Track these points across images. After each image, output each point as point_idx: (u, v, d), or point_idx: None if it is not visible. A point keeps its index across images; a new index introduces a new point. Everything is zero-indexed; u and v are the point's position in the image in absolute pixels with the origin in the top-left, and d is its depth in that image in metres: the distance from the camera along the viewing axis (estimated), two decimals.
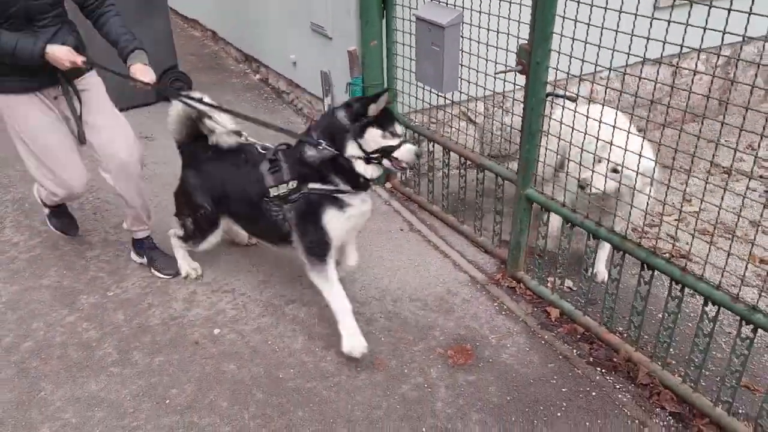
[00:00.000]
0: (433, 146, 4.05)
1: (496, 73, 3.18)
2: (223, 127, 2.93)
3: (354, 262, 3.16)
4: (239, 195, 2.93)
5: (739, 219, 2.59)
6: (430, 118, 4.35)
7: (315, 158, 2.70)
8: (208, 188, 3.03)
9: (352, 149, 2.66)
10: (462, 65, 3.51)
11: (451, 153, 3.83)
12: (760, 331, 2.26)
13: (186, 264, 3.37)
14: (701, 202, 2.40)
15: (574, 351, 2.86)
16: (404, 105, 4.20)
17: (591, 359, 2.82)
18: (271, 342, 2.92)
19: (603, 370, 2.75)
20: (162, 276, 3.36)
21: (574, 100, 2.88)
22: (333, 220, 2.72)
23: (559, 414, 2.55)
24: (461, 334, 2.96)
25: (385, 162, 2.72)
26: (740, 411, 2.48)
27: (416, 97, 4.03)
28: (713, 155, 2.31)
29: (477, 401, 2.60)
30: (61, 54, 2.68)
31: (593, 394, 2.63)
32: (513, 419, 2.50)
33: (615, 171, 2.80)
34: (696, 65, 2.40)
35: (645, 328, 2.81)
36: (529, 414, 2.54)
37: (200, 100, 2.87)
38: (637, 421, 2.50)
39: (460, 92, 3.62)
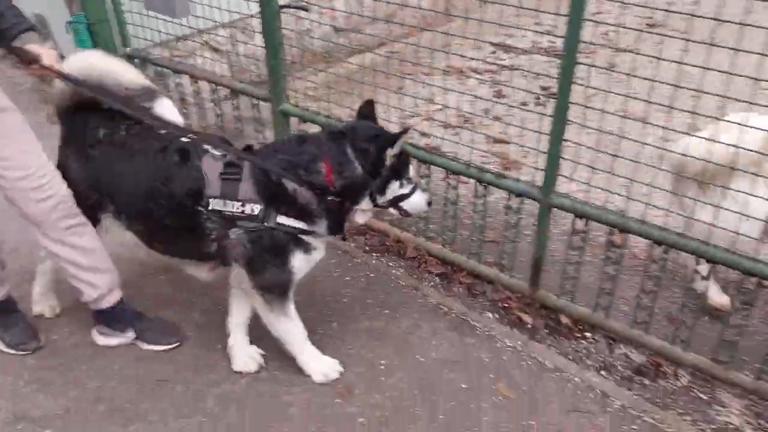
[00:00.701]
0: (180, 79, 3.92)
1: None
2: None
3: None
4: (151, 193, 2.22)
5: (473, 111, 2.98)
6: (172, 52, 4.18)
7: (306, 198, 2.15)
8: (98, 176, 2.31)
9: (365, 204, 2.25)
10: None
11: (200, 83, 3.75)
12: (493, 189, 2.68)
13: (44, 300, 2.69)
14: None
15: (351, 244, 3.10)
16: (140, 39, 3.96)
17: (366, 248, 3.10)
18: None
19: (377, 254, 3.04)
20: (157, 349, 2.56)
21: (306, 9, 2.99)
22: (300, 263, 2.24)
23: (345, 300, 2.78)
24: None
25: (391, 210, 2.34)
26: (487, 260, 2.92)
27: (154, 29, 3.82)
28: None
29: None
30: None
31: (372, 275, 2.91)
32: (306, 316, 2.66)
33: None
34: None
35: None
36: (321, 307, 2.73)
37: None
38: (411, 288, 2.84)
39: (195, 17, 3.53)
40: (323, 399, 2.30)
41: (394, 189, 2.26)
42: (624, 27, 2.46)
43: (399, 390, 2.34)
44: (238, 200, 2.12)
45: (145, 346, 2.54)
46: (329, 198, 2.15)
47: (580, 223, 2.47)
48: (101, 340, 2.55)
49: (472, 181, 2.72)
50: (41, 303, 2.67)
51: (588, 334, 2.60)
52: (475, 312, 2.72)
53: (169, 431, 2.19)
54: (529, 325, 2.65)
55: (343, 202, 2.19)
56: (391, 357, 2.48)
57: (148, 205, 2.23)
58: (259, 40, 3.20)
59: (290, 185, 2.13)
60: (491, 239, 3.02)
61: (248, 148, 2.32)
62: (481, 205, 2.75)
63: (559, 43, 2.19)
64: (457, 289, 2.86)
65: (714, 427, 2.20)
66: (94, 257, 2.34)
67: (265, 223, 2.13)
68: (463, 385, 2.36)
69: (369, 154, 2.16)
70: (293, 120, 3.28)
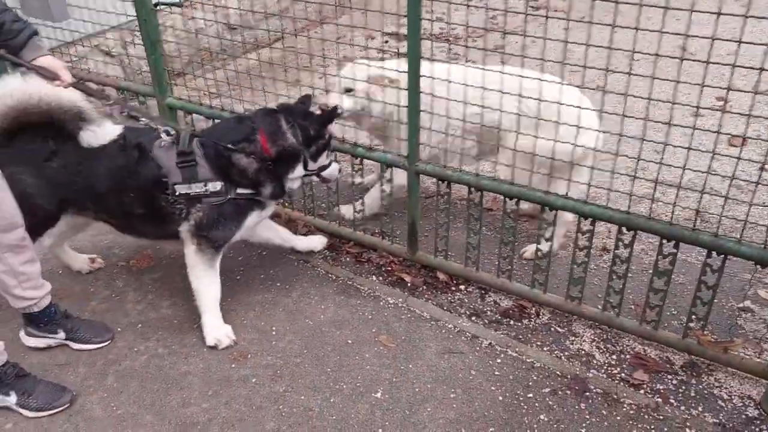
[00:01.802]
0: None
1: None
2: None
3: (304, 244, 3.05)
4: (118, 188, 2.42)
5: None
6: (63, 55, 4.18)
7: (252, 168, 2.46)
8: (58, 186, 2.41)
9: (299, 171, 2.57)
10: None
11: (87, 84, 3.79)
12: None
13: None
14: None
15: None
16: None
17: None
18: None
19: None
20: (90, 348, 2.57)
21: (180, 5, 3.12)
22: (249, 221, 2.55)
23: (238, 277, 2.95)
24: (141, 245, 3.12)
25: (314, 177, 2.69)
26: (373, 231, 3.15)
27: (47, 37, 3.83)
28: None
29: (165, 291, 2.85)
30: None
31: (264, 253, 3.09)
32: None
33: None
34: None
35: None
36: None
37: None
38: (301, 261, 3.04)
39: (84, 21, 3.58)
40: (219, 365, 2.46)
41: (323, 159, 2.64)
42: (510, 11, 2.56)
43: (289, 350, 2.53)
44: (200, 182, 2.40)
45: (76, 346, 2.54)
46: (269, 165, 2.46)
47: (443, 186, 2.73)
48: (30, 341, 2.53)
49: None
50: None
51: (462, 287, 2.88)
52: (361, 277, 2.94)
53: (72, 411, 2.29)
54: (410, 284, 2.89)
55: (280, 168, 2.50)
56: (282, 323, 2.67)
57: (118, 200, 2.45)
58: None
59: (238, 160, 2.42)
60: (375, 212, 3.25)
61: (194, 136, 2.50)
62: (359, 177, 2.98)
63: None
64: (344, 259, 3.07)
65: (568, 353, 2.52)
66: (26, 275, 2.30)
67: (228, 196, 2.44)
68: (349, 341, 2.57)
69: (308, 128, 2.53)
70: (180, 113, 3.40)
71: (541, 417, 2.24)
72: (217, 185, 2.41)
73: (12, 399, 2.25)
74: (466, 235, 2.78)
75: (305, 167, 2.60)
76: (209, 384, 2.38)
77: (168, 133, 2.44)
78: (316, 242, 3.07)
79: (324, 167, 2.67)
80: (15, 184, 2.26)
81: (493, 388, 2.35)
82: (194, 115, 3.35)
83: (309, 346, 2.55)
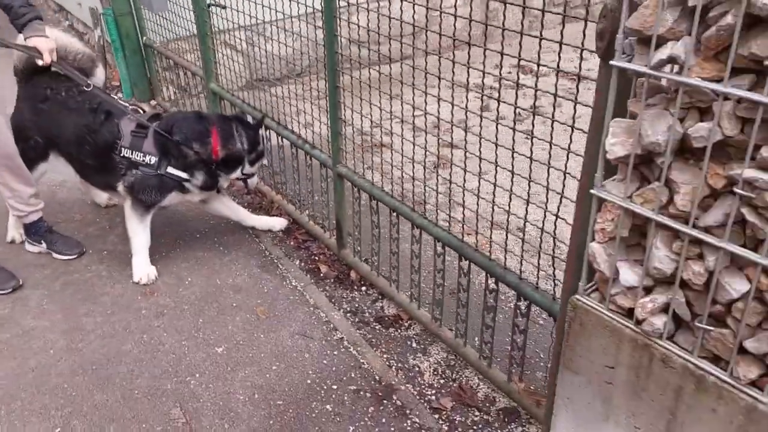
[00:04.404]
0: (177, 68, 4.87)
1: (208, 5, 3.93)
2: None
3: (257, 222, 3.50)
4: (81, 138, 3.05)
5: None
6: (180, 46, 5.13)
7: (191, 157, 2.99)
8: (44, 124, 3.12)
9: (234, 174, 3.17)
10: None
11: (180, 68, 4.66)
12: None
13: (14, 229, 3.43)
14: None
15: (236, 200, 3.79)
16: (158, 33, 4.94)
17: (245, 206, 3.76)
18: None
19: (251, 211, 3.69)
20: (63, 258, 3.30)
21: (224, 7, 3.74)
22: (172, 197, 3.11)
23: (198, 236, 3.49)
24: None
25: (240, 182, 3.35)
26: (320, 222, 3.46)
27: (165, 28, 4.79)
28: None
29: None
30: None
31: (231, 223, 3.58)
32: (164, 240, 3.39)
33: None
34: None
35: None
36: (178, 236, 3.45)
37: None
38: (254, 236, 3.47)
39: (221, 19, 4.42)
40: (130, 295, 3.02)
41: (256, 167, 3.24)
42: None
43: (185, 298, 2.99)
44: (142, 152, 2.94)
45: (55, 255, 3.30)
46: (211, 164, 2.98)
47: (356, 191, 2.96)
48: (27, 246, 3.35)
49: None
50: (12, 231, 3.47)
51: (364, 289, 3.06)
52: (287, 258, 3.28)
53: (13, 295, 3.01)
54: (322, 274, 3.16)
55: (219, 168, 3.03)
56: (198, 277, 3.14)
57: (80, 149, 3.10)
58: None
59: (183, 148, 2.96)
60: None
61: (156, 116, 3.14)
62: (308, 170, 3.32)
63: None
64: (288, 242, 3.44)
65: (402, 366, 2.60)
66: (18, 192, 3.08)
67: (158, 171, 2.96)
68: (234, 304, 2.95)
69: (250, 134, 3.05)
70: (223, 98, 4.05)
71: (328, 407, 2.40)
72: (152, 160, 2.96)
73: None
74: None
75: (242, 171, 3.09)
76: (113, 305, 2.95)
77: (137, 111, 3.07)
78: (276, 223, 3.48)
79: (250, 175, 3.17)
80: (19, 114, 3.12)
81: (310, 371, 2.56)
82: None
83: (203, 299, 2.99)
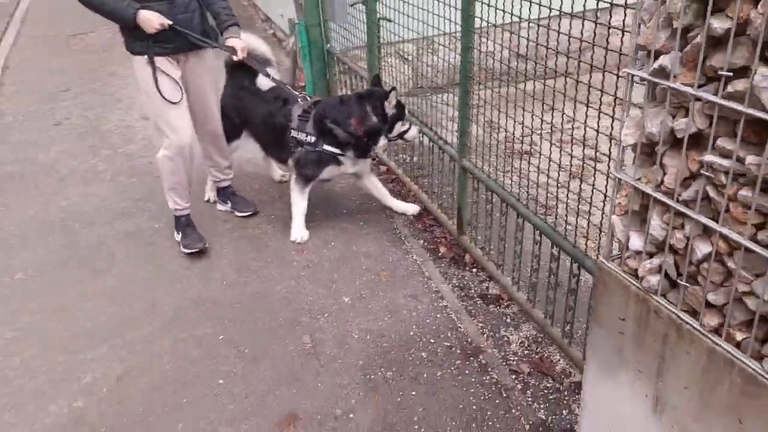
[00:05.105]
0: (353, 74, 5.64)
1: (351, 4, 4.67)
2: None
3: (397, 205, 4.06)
4: (265, 121, 3.83)
5: None
6: (360, 55, 5.90)
7: (341, 135, 3.63)
8: (240, 108, 3.93)
9: (382, 142, 3.74)
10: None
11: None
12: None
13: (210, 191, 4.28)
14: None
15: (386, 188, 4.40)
16: (338, 43, 5.76)
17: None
18: None
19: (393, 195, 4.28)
20: (240, 215, 4.09)
21: (390, 20, 4.36)
22: (328, 169, 3.75)
23: (344, 211, 4.14)
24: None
25: (399, 140, 3.85)
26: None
27: (345, 39, 5.61)
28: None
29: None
30: (151, 17, 3.20)
31: (374, 204, 4.18)
32: (319, 211, 4.09)
33: None
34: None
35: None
36: (331, 209, 4.14)
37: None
38: (389, 216, 4.04)
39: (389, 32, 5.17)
40: (286, 250, 3.74)
41: (398, 127, 3.71)
42: None
43: (328, 258, 3.64)
44: (305, 133, 3.70)
45: (236, 213, 4.15)
46: (358, 139, 3.64)
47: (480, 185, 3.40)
48: (219, 206, 4.23)
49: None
50: (209, 193, 4.43)
51: (474, 270, 3.49)
52: (413, 238, 3.81)
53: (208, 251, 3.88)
54: (440, 253, 3.64)
55: (369, 140, 3.67)
56: (339, 243, 3.78)
57: (264, 129, 3.95)
58: (441, 54, 4.44)
59: (334, 129, 3.65)
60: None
61: (317, 103, 3.87)
62: (440, 163, 3.81)
63: None
64: (417, 224, 3.96)
65: (493, 335, 2.99)
66: (215, 161, 3.96)
67: (317, 148, 3.69)
68: (363, 267, 3.54)
69: (378, 108, 3.61)
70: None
71: (423, 354, 2.87)
72: (312, 139, 3.66)
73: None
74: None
75: (386, 137, 3.67)
76: (273, 256, 3.69)
77: (305, 98, 3.79)
78: (409, 208, 4.03)
79: (404, 132, 3.71)
80: (223, 99, 3.97)
81: (414, 326, 3.05)
82: None
83: (339, 259, 3.61)
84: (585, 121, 2.36)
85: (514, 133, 2.96)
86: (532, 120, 2.72)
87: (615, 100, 2.12)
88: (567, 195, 2.70)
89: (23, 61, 7.85)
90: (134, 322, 3.19)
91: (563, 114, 2.52)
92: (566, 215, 2.66)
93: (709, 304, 1.45)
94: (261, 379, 2.79)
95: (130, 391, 2.76)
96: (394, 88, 3.60)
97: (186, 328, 3.12)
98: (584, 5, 2.23)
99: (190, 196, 3.78)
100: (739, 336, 1.39)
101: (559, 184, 2.72)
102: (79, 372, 2.88)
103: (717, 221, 1.38)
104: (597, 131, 2.29)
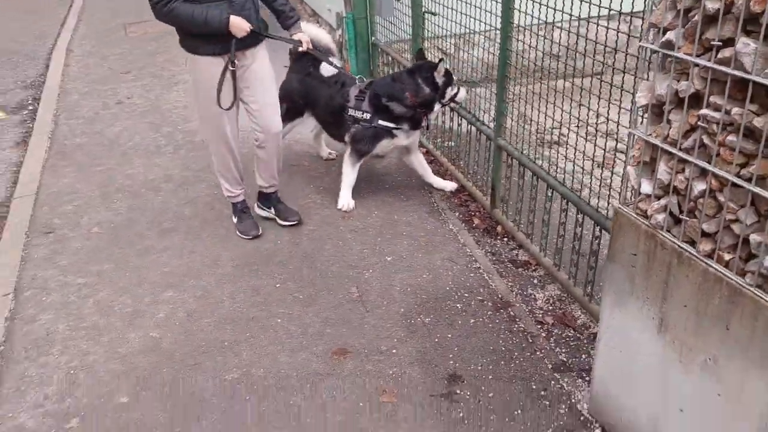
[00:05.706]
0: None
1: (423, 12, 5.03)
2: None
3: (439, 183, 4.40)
4: (326, 103, 4.21)
5: None
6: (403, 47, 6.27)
7: (397, 110, 3.99)
8: (304, 92, 4.33)
9: (436, 108, 4.07)
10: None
11: None
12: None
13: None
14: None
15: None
16: (385, 34, 6.13)
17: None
18: None
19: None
20: (287, 224, 4.03)
21: (434, 14, 4.73)
22: (382, 144, 4.12)
23: (387, 186, 4.52)
24: None
25: (452, 104, 4.15)
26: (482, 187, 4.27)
27: (390, 31, 5.99)
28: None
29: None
30: (241, 22, 3.33)
31: (414, 180, 4.55)
32: (365, 185, 4.48)
33: None
34: None
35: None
36: (376, 183, 4.52)
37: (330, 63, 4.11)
38: (428, 192, 4.41)
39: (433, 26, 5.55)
40: (334, 217, 4.13)
41: (449, 92, 4.07)
42: None
43: (372, 224, 4.02)
44: (361, 111, 4.09)
45: (280, 222, 4.07)
46: (415, 109, 4.01)
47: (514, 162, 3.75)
48: (259, 212, 4.12)
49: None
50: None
51: (506, 239, 3.83)
52: (450, 210, 4.17)
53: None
54: (474, 224, 3.99)
55: (423, 109, 4.04)
56: (382, 212, 4.16)
57: (325, 109, 4.33)
58: (476, 51, 4.77)
59: (390, 104, 4.03)
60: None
61: (371, 83, 4.27)
62: (477, 144, 4.17)
63: None
64: (453, 199, 4.32)
65: (522, 292, 3.34)
66: (269, 169, 3.91)
67: (372, 124, 4.08)
68: (404, 233, 3.91)
69: (429, 79, 3.98)
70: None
71: (458, 305, 3.23)
72: (368, 115, 4.04)
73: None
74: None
75: (440, 102, 4.05)
76: (322, 222, 4.08)
77: (361, 80, 4.18)
78: (447, 185, 4.39)
79: (454, 96, 4.08)
80: (290, 83, 4.39)
81: (450, 282, 3.41)
82: None
83: (382, 226, 3.99)
84: (607, 116, 2.70)
85: (545, 125, 3.31)
86: (561, 115, 3.08)
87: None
88: (591, 180, 3.05)
89: (85, 47, 8.41)
90: (197, 273, 3.61)
91: (588, 109, 2.86)
92: (590, 192, 3.00)
93: (704, 233, 1.79)
94: (314, 320, 3.18)
95: (200, 324, 3.18)
96: (442, 59, 3.98)
97: (245, 279, 3.53)
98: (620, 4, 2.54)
99: (243, 182, 3.96)
100: (727, 257, 1.73)
101: (584, 171, 3.09)
102: (153, 310, 3.31)
103: (711, 164, 1.72)
104: (618, 123, 2.63)
